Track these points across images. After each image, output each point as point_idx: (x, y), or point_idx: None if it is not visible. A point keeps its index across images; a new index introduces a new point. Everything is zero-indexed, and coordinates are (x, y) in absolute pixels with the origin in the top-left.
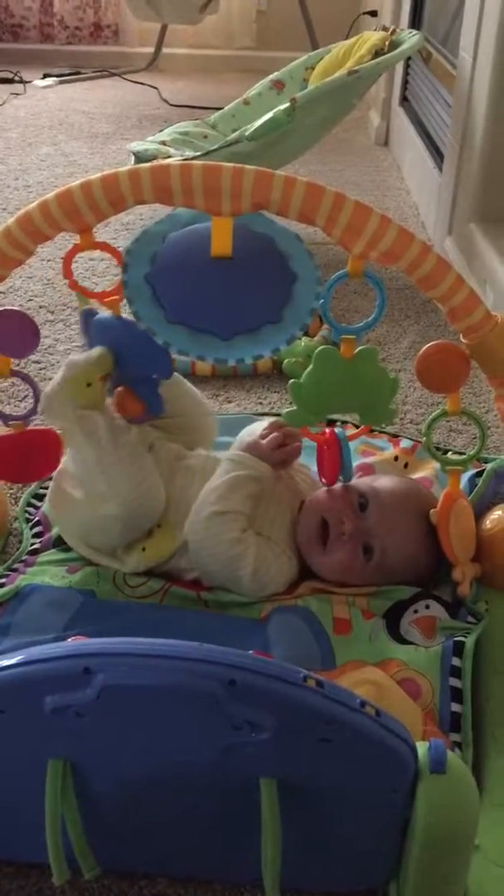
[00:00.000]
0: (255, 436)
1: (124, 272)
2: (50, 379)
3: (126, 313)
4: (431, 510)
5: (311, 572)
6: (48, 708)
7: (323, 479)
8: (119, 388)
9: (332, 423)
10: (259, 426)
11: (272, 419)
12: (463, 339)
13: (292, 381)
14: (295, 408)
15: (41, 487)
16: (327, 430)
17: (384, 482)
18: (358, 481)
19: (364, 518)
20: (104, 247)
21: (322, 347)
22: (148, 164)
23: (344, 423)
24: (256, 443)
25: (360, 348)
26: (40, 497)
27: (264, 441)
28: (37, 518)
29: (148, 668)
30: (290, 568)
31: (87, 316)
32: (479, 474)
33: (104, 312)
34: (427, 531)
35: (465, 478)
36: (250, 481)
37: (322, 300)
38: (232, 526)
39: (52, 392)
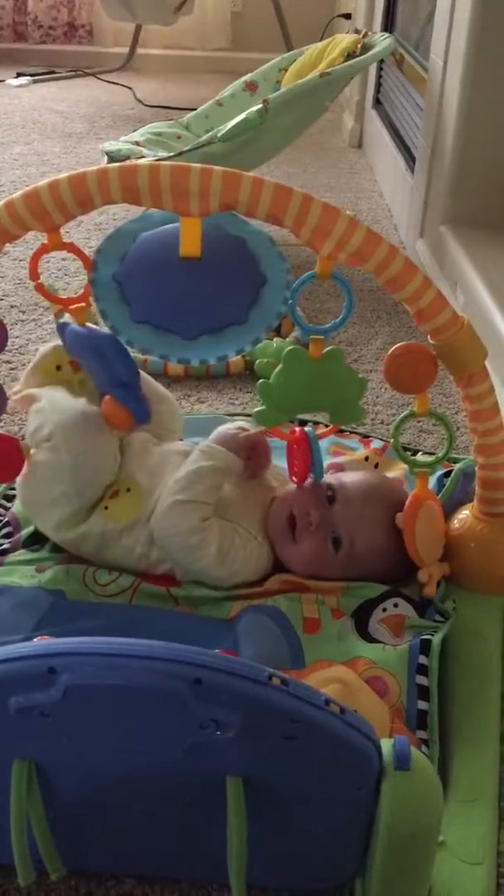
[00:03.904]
0: (228, 430)
1: (93, 270)
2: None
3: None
4: (398, 513)
5: (284, 568)
6: (13, 708)
7: (293, 478)
8: (104, 399)
9: (303, 423)
10: (232, 426)
11: (244, 419)
12: (430, 341)
13: (261, 380)
14: (264, 407)
15: (10, 489)
16: (297, 429)
17: (352, 476)
18: (327, 476)
19: (331, 510)
20: (71, 248)
21: (290, 347)
22: (117, 164)
23: (315, 423)
24: (228, 435)
25: (327, 348)
26: (10, 498)
27: (238, 435)
28: (6, 519)
29: (113, 668)
30: (260, 552)
31: (61, 329)
32: (448, 474)
33: (73, 324)
34: (396, 547)
35: (433, 478)
36: (216, 472)
37: (290, 301)
38: (193, 515)
39: (25, 373)
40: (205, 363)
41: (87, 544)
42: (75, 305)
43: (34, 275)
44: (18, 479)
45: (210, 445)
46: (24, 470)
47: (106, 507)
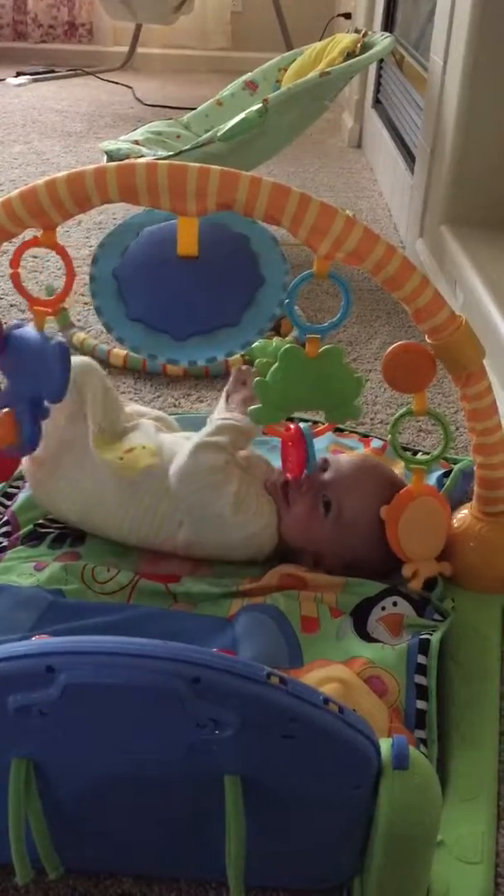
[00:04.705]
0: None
1: (93, 265)
2: None
3: (50, 326)
4: (382, 506)
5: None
6: (11, 707)
7: (288, 474)
8: (3, 411)
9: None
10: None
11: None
12: (428, 340)
13: (257, 379)
14: (260, 405)
15: (10, 486)
16: (292, 426)
17: (346, 456)
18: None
19: (323, 476)
20: (60, 249)
21: (287, 346)
22: (114, 163)
23: (315, 423)
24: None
25: (324, 347)
26: (9, 496)
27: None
28: (5, 517)
29: (111, 667)
30: (271, 510)
31: (10, 328)
32: (448, 474)
33: (27, 326)
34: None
35: (433, 478)
36: (235, 429)
37: (287, 300)
38: (217, 455)
39: None
40: (193, 365)
41: (101, 503)
42: (39, 308)
43: (15, 263)
44: (29, 460)
45: (226, 415)
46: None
47: (121, 458)
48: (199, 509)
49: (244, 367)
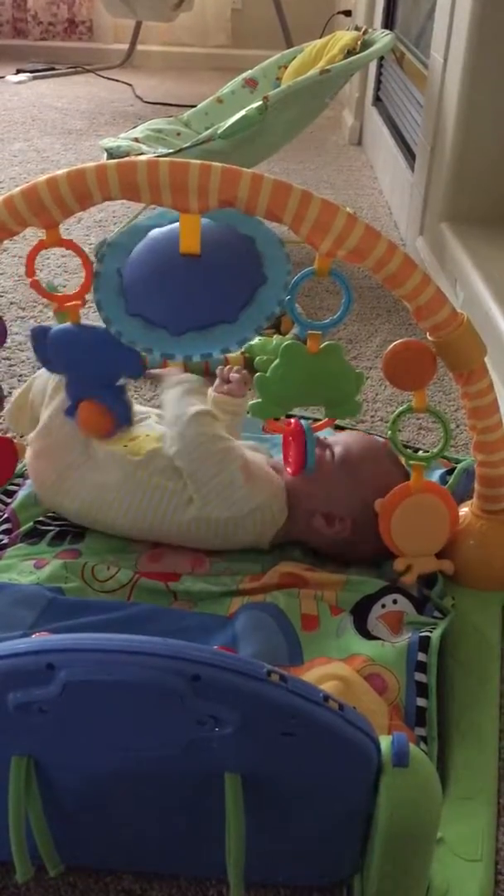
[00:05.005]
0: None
1: (100, 262)
2: (20, 376)
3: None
4: (377, 500)
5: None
6: (11, 705)
7: (288, 469)
8: (82, 404)
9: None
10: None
11: None
12: (429, 337)
13: (258, 374)
14: (260, 400)
15: (10, 484)
16: (292, 422)
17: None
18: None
19: (325, 438)
20: (70, 244)
21: (288, 342)
22: (115, 161)
23: (316, 420)
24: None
25: (325, 343)
26: (9, 494)
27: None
28: (5, 515)
29: (111, 664)
30: (278, 482)
31: (39, 334)
32: (451, 472)
33: (57, 325)
34: (389, 466)
35: (435, 475)
36: (223, 402)
37: (289, 297)
38: (214, 424)
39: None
40: (189, 360)
41: (106, 492)
42: (70, 303)
43: (31, 272)
44: (31, 453)
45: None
46: (40, 429)
47: (125, 446)
48: (210, 479)
49: (227, 368)
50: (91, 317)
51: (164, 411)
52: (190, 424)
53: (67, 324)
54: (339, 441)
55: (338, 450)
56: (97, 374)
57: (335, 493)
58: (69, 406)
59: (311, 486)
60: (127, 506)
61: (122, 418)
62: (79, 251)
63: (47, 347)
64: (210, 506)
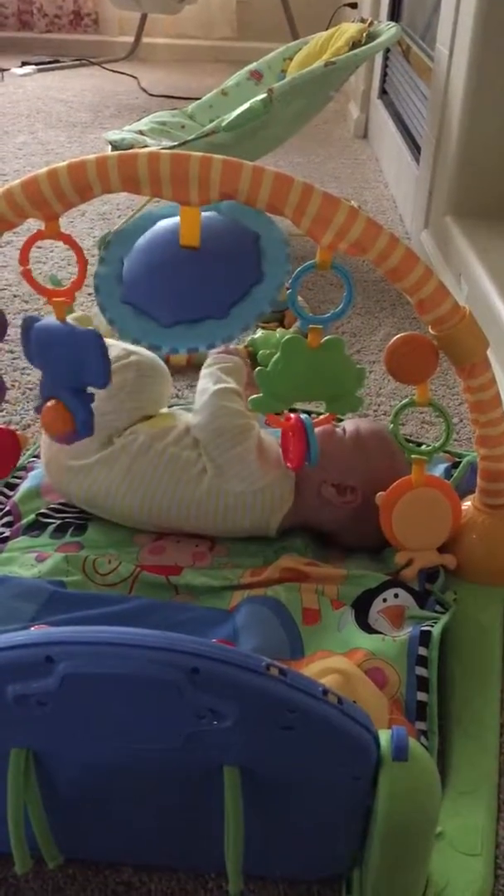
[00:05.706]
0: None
1: (105, 248)
2: (23, 369)
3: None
4: (379, 493)
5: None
6: (10, 697)
7: (288, 464)
8: (48, 404)
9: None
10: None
11: None
12: (431, 331)
13: (258, 368)
14: (261, 395)
15: (14, 476)
16: (293, 416)
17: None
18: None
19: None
20: (67, 239)
21: (289, 336)
22: (116, 153)
23: (318, 415)
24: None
25: (326, 338)
26: (11, 486)
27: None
28: (7, 508)
29: (110, 657)
30: (288, 468)
31: (29, 323)
32: (455, 466)
33: (47, 318)
34: (396, 446)
35: (439, 470)
36: (236, 370)
37: (290, 290)
38: (237, 401)
39: None
40: (174, 352)
41: (119, 461)
42: (58, 299)
43: (24, 260)
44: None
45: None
46: None
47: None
48: (225, 451)
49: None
50: (93, 311)
51: (199, 384)
52: (213, 397)
53: (51, 319)
54: (348, 422)
55: (348, 426)
56: (66, 376)
57: (346, 463)
58: (38, 403)
59: (323, 458)
60: (140, 477)
61: (83, 426)
62: (75, 246)
63: (32, 337)
64: (223, 477)
